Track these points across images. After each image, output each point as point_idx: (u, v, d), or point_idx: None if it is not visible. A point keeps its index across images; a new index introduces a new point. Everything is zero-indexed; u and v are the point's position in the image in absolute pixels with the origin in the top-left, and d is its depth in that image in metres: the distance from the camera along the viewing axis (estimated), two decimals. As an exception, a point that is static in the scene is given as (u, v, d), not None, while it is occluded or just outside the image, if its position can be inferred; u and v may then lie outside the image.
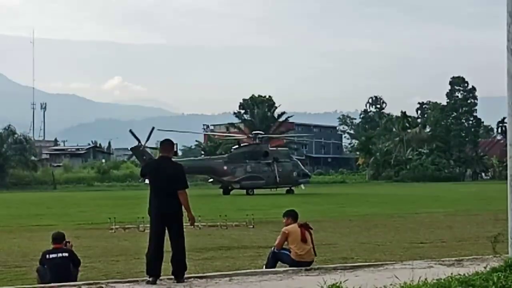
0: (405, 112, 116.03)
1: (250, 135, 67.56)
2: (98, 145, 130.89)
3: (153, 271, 9.80)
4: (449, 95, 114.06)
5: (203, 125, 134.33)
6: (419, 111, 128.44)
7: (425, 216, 27.25)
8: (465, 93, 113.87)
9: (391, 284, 8.29)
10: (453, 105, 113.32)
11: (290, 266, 11.16)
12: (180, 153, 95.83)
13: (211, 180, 66.88)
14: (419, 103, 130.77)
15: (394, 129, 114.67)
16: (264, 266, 11.71)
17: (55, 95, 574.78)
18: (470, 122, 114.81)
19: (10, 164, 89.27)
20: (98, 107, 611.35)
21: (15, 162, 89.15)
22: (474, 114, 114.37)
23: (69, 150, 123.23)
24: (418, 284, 7.95)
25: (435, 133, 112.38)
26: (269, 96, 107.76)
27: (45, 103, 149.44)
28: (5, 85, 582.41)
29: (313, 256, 11.64)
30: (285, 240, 11.51)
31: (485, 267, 8.75)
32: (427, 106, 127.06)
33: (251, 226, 22.30)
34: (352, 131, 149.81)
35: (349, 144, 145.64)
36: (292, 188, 58.60)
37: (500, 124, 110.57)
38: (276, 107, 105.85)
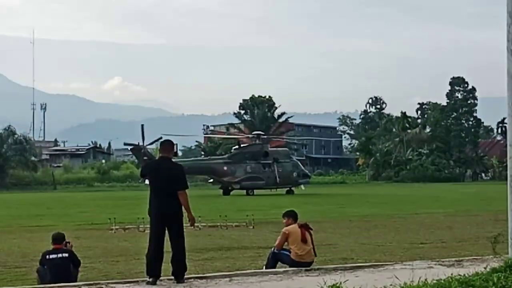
0: (405, 112, 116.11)
1: (250, 136, 67.57)
2: (98, 145, 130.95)
3: (153, 272, 9.80)
4: (449, 95, 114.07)
5: (203, 125, 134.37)
6: (419, 112, 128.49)
7: (425, 217, 27.26)
8: (465, 94, 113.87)
9: (391, 285, 8.30)
10: (453, 106, 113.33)
11: (290, 267, 11.16)
12: (180, 153, 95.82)
13: (211, 180, 66.93)
14: (419, 103, 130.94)
15: (394, 130, 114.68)
16: (264, 267, 11.71)
17: (55, 95, 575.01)
18: (470, 122, 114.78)
19: (10, 165, 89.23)
20: (98, 108, 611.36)
21: (15, 162, 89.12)
22: (474, 114, 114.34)
23: (69, 150, 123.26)
24: (418, 284, 7.95)
25: (435, 133, 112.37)
26: (269, 97, 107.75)
27: (45, 104, 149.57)
28: (5, 86, 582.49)
29: (313, 257, 11.64)
30: (285, 241, 11.51)
31: (485, 268, 8.75)
32: (427, 107, 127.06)
33: (251, 227, 22.31)
34: (352, 132, 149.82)
35: (349, 144, 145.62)
36: (292, 188, 58.61)
37: (500, 125, 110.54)
38: (276, 108, 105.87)
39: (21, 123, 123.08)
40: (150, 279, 9.76)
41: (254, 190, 56.44)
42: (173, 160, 10.70)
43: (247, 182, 57.50)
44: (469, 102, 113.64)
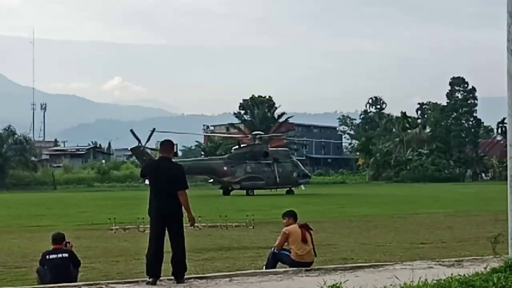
0: (405, 112, 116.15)
1: (250, 136, 67.58)
2: (98, 145, 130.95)
3: (153, 272, 9.80)
4: (449, 95, 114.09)
5: (203, 125, 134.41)
6: (419, 112, 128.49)
7: (425, 217, 27.27)
8: (465, 94, 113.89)
9: (391, 285, 8.30)
10: (453, 106, 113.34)
11: (290, 267, 11.16)
12: (180, 153, 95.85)
13: (211, 180, 66.94)
14: (419, 103, 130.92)
15: (394, 130, 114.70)
16: (264, 267, 11.71)
17: (55, 95, 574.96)
18: (470, 122, 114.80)
19: (10, 165, 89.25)
20: (98, 108, 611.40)
21: (15, 162, 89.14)
22: (474, 114, 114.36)
23: (69, 150, 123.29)
24: (418, 284, 7.95)
25: (435, 133, 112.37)
26: (269, 97, 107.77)
27: (45, 104, 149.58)
28: (5, 86, 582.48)
29: (313, 257, 11.64)
30: (285, 241, 11.51)
31: (485, 268, 8.75)
32: (427, 107, 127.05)
33: (251, 227, 22.31)
34: (352, 132, 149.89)
35: (349, 144, 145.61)
36: (292, 188, 58.62)
37: (500, 125, 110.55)
38: (276, 108, 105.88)
39: (21, 123, 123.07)
40: (150, 279, 9.76)
41: (254, 190, 56.46)
42: (173, 160, 10.70)
43: (247, 182, 57.51)
44: (469, 102, 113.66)
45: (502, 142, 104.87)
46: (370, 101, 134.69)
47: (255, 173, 58.25)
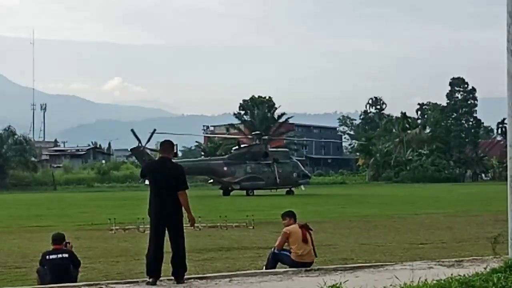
0: (405, 113, 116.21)
1: (250, 136, 67.56)
2: (98, 146, 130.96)
3: (153, 272, 9.80)
4: (449, 95, 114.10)
5: (203, 126, 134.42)
6: (419, 112, 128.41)
7: (425, 217, 27.26)
8: (465, 94, 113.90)
9: (391, 285, 8.30)
10: (453, 106, 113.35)
11: (290, 267, 11.16)
12: (180, 154, 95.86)
13: (211, 181, 66.94)
14: (419, 104, 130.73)
15: (394, 130, 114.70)
16: (264, 267, 11.71)
17: (55, 96, 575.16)
18: (470, 123, 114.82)
19: (10, 165, 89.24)
20: (98, 108, 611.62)
21: (15, 163, 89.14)
22: (474, 115, 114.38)
23: (69, 151, 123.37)
24: (418, 285, 7.95)
25: (435, 134, 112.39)
26: (269, 97, 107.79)
27: (45, 104, 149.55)
28: (5, 86, 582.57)
29: (313, 257, 11.64)
30: (286, 241, 11.50)
31: (485, 268, 8.75)
32: (427, 107, 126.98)
33: (251, 227, 22.31)
34: (352, 132, 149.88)
35: (349, 145, 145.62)
36: (292, 189, 58.63)
37: (500, 125, 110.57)
38: (276, 108, 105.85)
39: (21, 123, 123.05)
40: (150, 280, 9.76)
41: (254, 191, 56.48)
42: (173, 160, 10.70)
43: (247, 182, 57.52)
44: (469, 102, 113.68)
45: (502, 142, 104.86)
46: (370, 101, 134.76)
47: (255, 173, 58.26)
